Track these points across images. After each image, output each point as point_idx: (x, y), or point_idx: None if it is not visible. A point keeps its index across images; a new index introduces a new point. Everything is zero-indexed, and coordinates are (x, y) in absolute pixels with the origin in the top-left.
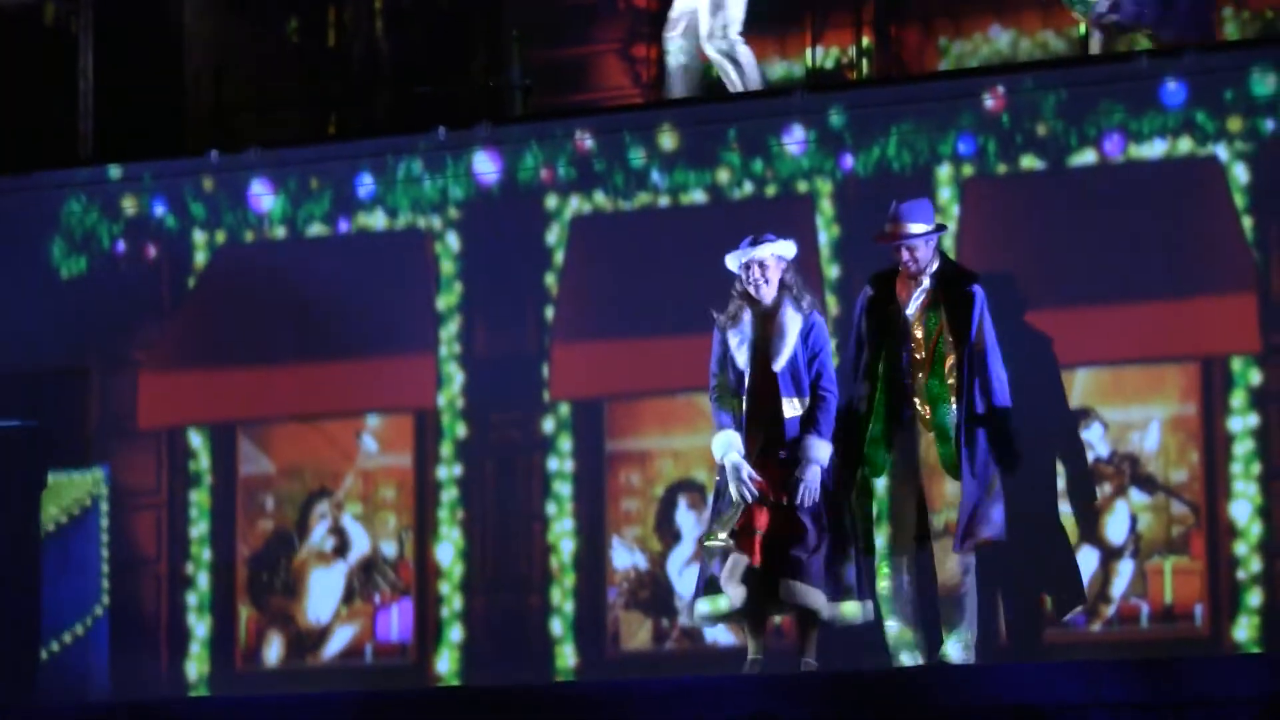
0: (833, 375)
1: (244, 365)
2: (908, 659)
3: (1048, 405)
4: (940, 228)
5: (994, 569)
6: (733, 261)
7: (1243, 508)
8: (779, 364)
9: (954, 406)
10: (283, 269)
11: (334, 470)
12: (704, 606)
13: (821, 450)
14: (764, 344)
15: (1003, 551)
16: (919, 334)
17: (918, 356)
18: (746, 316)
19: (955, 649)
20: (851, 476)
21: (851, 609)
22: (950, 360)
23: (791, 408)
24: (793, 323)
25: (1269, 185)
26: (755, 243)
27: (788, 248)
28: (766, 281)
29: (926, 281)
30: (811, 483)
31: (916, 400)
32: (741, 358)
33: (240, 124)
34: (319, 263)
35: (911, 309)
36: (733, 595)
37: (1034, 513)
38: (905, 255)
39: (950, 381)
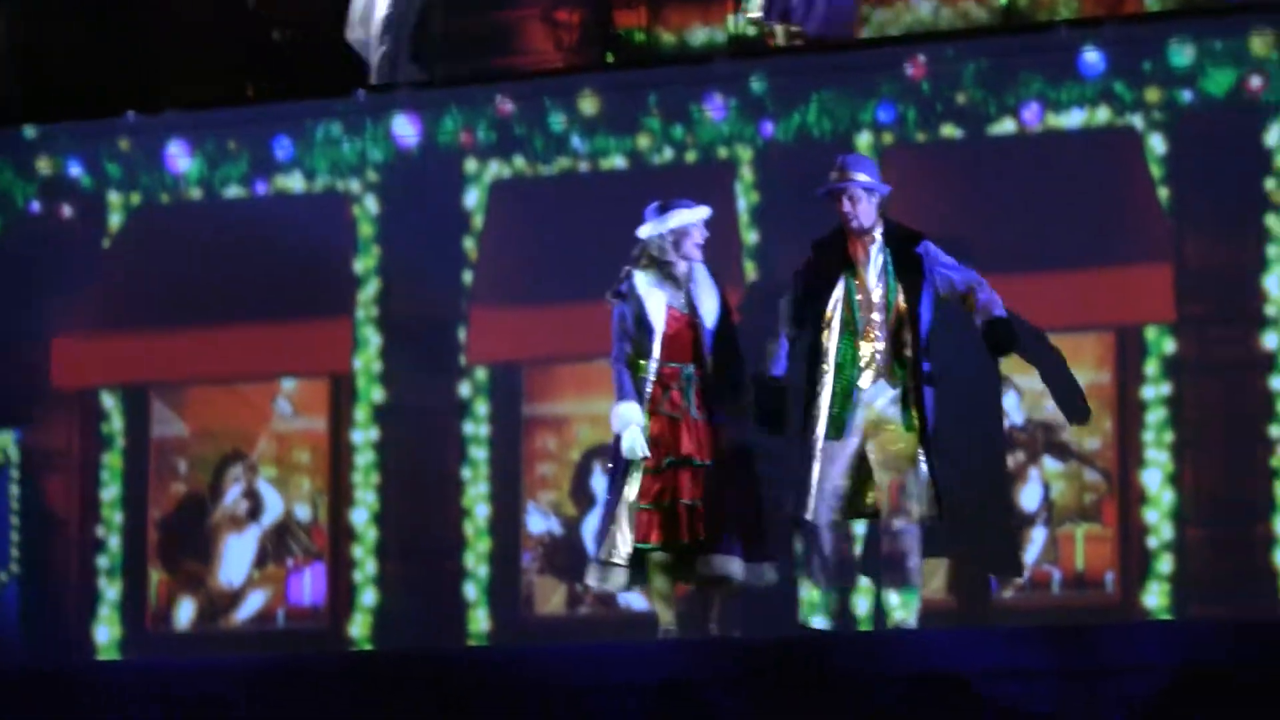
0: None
1: (158, 327)
2: (820, 623)
3: (975, 372)
4: (885, 187)
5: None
6: (643, 231)
7: (1154, 476)
8: (710, 322)
9: (906, 371)
10: (199, 231)
11: (248, 433)
12: (595, 577)
13: (737, 410)
14: (689, 305)
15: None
16: (877, 296)
17: (875, 318)
18: (663, 280)
19: (901, 612)
20: (801, 438)
21: (765, 573)
22: (907, 322)
23: (710, 365)
24: (708, 285)
25: (1185, 155)
26: (663, 209)
27: (701, 213)
28: (699, 246)
29: (878, 243)
30: (729, 443)
31: (874, 362)
32: (660, 319)
33: (160, 85)
34: (236, 225)
35: (869, 271)
36: (624, 572)
37: (972, 480)
38: (847, 206)
39: (907, 343)
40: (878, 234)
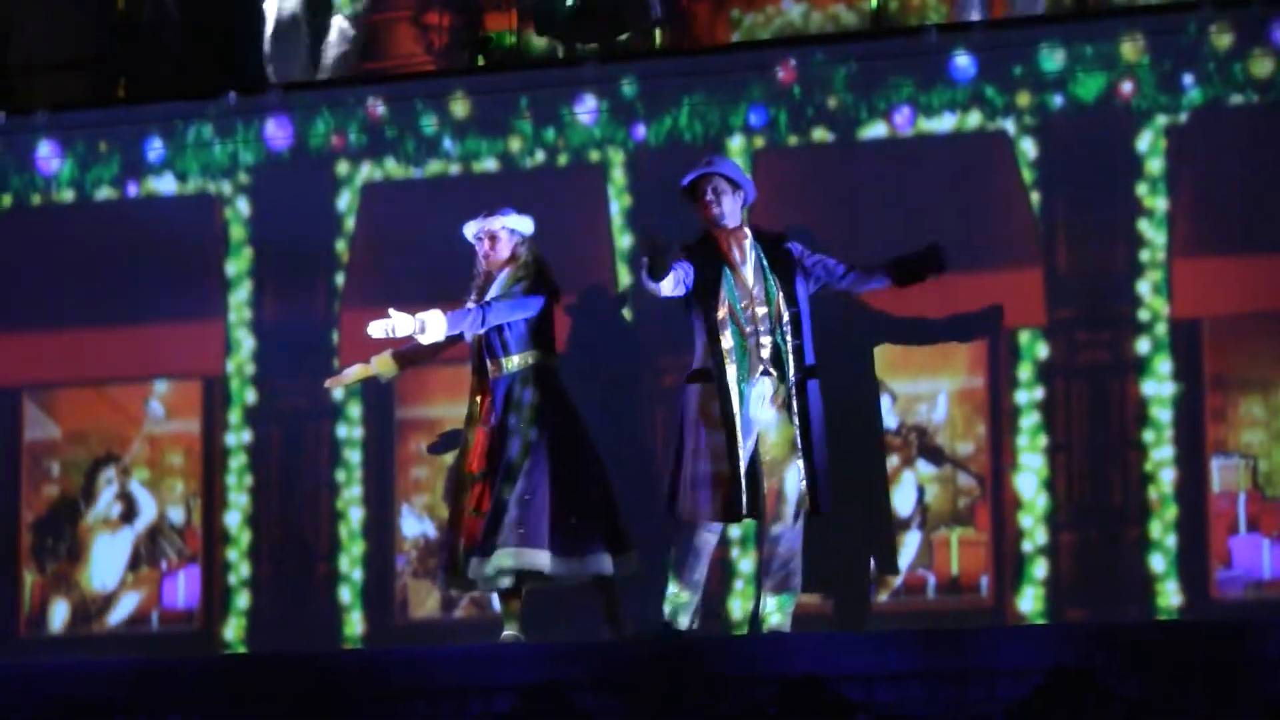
0: (497, 317)
1: (30, 329)
2: (684, 621)
3: (845, 377)
4: (751, 183)
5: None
6: (467, 231)
7: (1028, 480)
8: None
9: (789, 367)
10: (70, 233)
11: (121, 436)
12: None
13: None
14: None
15: (826, 520)
16: (757, 292)
17: (759, 312)
18: (482, 287)
19: (777, 617)
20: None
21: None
22: (786, 318)
23: (499, 368)
24: (503, 280)
25: (1056, 160)
26: (489, 214)
27: (523, 222)
28: (494, 253)
29: (749, 241)
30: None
31: (761, 358)
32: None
33: (28, 85)
34: (107, 227)
35: (747, 267)
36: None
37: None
38: (710, 196)
39: (788, 339)
40: (747, 232)
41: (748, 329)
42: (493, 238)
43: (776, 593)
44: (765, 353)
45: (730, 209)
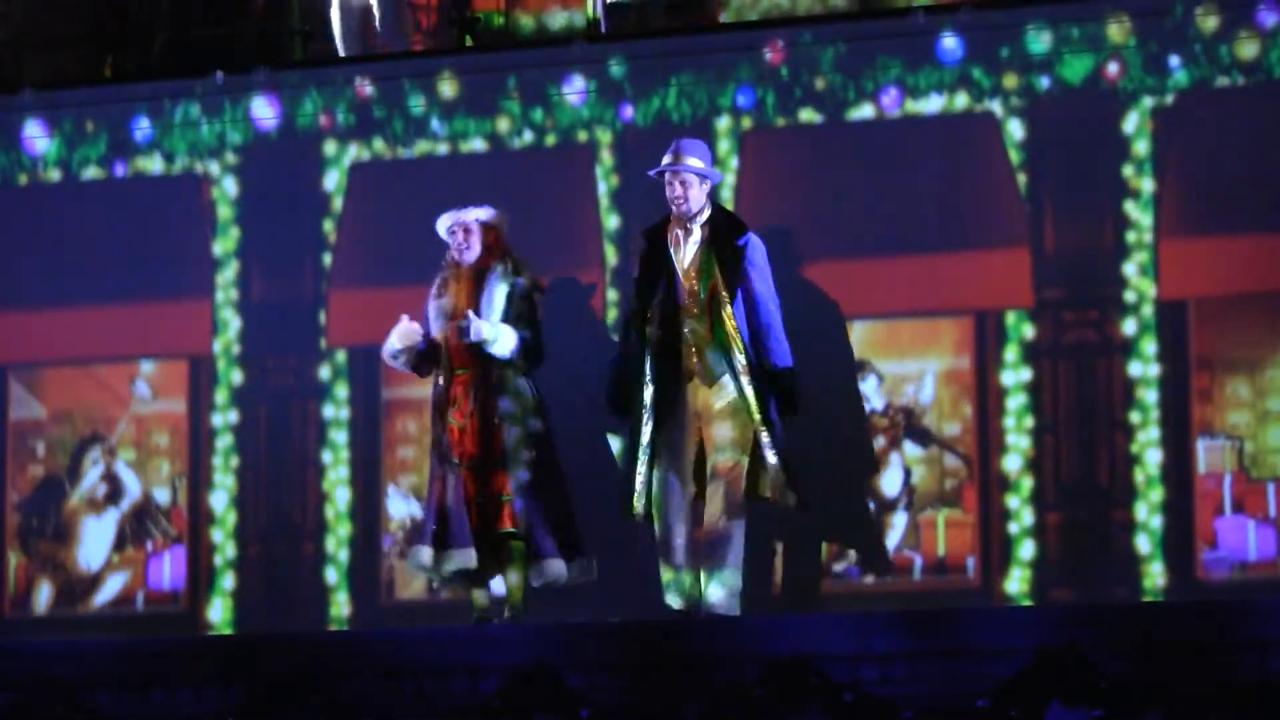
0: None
1: (16, 308)
2: (675, 602)
3: (830, 358)
4: (717, 174)
5: (775, 523)
6: (440, 225)
7: (1014, 461)
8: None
9: (730, 357)
10: (57, 212)
11: (107, 416)
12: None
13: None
14: (470, 307)
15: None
16: (693, 283)
17: (693, 308)
18: (451, 281)
19: (717, 593)
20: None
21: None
22: (727, 310)
23: (498, 371)
24: (497, 288)
25: (1043, 141)
26: (461, 209)
27: (495, 215)
28: (469, 246)
29: (698, 230)
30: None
31: (692, 350)
32: (439, 323)
33: (14, 65)
34: (94, 206)
35: (685, 257)
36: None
37: (821, 467)
38: (677, 190)
39: (728, 330)
40: (702, 219)
41: (684, 318)
42: (466, 230)
43: (714, 569)
44: (695, 340)
45: (694, 197)
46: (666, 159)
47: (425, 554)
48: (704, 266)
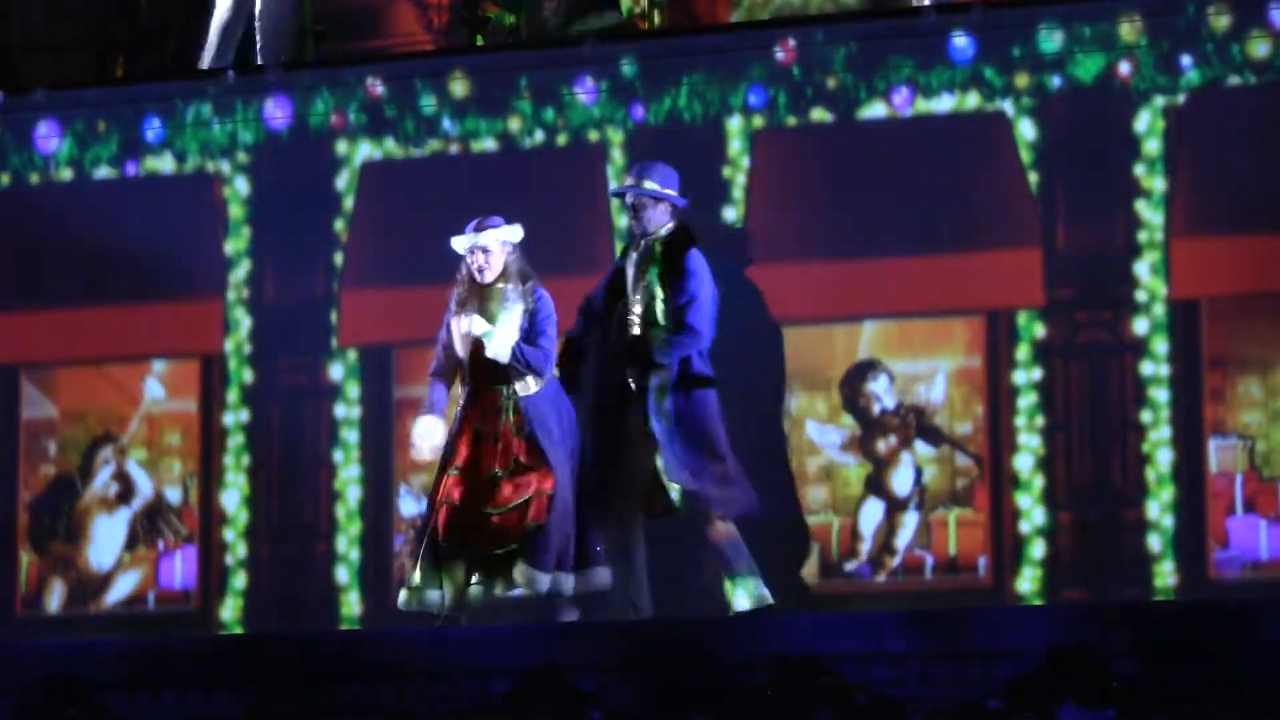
0: (553, 354)
1: (28, 308)
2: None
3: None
4: (676, 196)
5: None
6: (458, 245)
7: (1026, 460)
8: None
9: (662, 373)
10: (69, 212)
11: (119, 415)
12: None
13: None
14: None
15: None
16: (637, 298)
17: (635, 325)
18: (470, 299)
19: (744, 598)
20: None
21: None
22: (663, 324)
23: (524, 387)
24: (514, 306)
25: (1055, 141)
26: (479, 228)
27: (513, 232)
28: (489, 266)
29: (645, 245)
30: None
31: (636, 364)
32: (461, 342)
33: (27, 65)
34: (106, 206)
35: (630, 272)
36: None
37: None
38: (631, 213)
39: (659, 341)
40: (658, 235)
41: (627, 330)
42: (485, 251)
43: (734, 575)
44: (637, 353)
45: (649, 217)
46: (627, 180)
47: (566, 581)
48: (649, 282)
